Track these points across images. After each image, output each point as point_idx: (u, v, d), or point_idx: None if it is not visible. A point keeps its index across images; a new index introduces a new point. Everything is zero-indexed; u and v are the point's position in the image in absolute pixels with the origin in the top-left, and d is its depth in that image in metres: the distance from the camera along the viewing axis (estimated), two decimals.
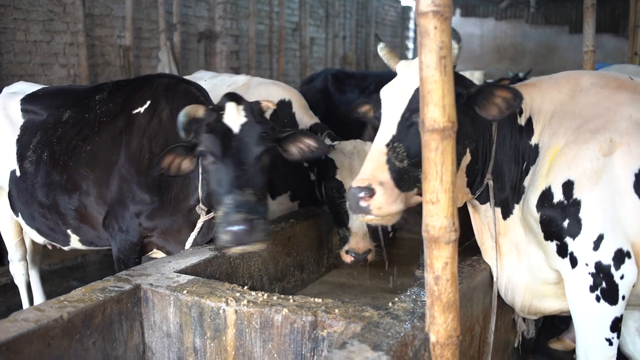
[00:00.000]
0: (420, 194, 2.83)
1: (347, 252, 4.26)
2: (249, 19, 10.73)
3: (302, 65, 12.73)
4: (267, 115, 5.11)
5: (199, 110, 3.42)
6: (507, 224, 3.31)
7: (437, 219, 2.32)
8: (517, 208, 3.26)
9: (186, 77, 5.44)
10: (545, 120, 3.19)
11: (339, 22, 14.02)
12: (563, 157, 3.04)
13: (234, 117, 3.38)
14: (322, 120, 5.27)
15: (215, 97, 4.58)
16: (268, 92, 5.25)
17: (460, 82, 2.95)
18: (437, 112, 2.22)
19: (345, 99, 8.72)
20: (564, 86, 3.23)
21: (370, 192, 2.69)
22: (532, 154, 3.20)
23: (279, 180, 5.10)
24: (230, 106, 3.40)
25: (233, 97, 3.47)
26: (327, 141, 4.70)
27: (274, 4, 11.80)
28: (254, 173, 3.31)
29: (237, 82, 5.59)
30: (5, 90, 4.82)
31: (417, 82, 2.81)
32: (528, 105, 3.23)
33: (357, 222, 4.21)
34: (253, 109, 3.45)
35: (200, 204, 3.76)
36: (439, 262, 2.37)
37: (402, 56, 16.75)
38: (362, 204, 2.70)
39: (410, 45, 17.71)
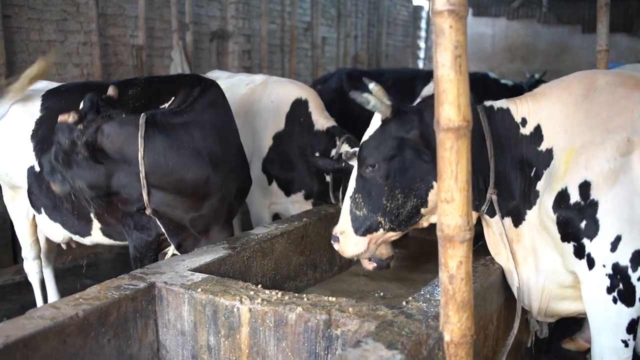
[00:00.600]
0: (389, 231, 3.34)
1: (369, 258, 4.27)
2: (261, 19, 10.74)
3: (314, 65, 12.74)
4: (283, 113, 5.14)
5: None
6: (520, 231, 3.30)
7: (452, 218, 2.32)
8: (530, 213, 3.24)
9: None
10: (558, 123, 3.16)
11: (350, 21, 14.01)
12: (579, 158, 3.02)
13: None
14: (338, 119, 5.29)
15: (234, 95, 4.56)
16: (285, 91, 5.28)
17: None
18: (452, 111, 2.22)
19: None
20: (577, 87, 3.21)
21: (337, 239, 3.44)
22: (543, 159, 3.18)
23: (294, 178, 5.12)
24: None
25: None
26: (346, 147, 4.71)
27: (285, 3, 11.81)
28: None
29: (254, 81, 5.63)
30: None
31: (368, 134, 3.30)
32: (534, 114, 3.22)
33: None
34: None
35: None
36: (454, 261, 2.37)
37: (414, 55, 16.78)
38: (335, 247, 3.48)
39: (422, 44, 17.68)
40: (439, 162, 2.32)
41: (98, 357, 2.88)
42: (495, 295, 3.42)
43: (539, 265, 3.27)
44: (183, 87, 4.02)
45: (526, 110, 3.25)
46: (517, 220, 3.29)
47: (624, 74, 3.28)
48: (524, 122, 3.24)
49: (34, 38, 7.34)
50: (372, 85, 3.36)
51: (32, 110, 4.46)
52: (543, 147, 3.19)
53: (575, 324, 4.71)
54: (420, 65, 17.34)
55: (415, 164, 3.18)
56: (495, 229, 3.38)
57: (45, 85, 4.81)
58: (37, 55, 7.37)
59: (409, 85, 8.69)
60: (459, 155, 2.27)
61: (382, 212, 3.23)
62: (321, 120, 5.05)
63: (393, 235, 3.41)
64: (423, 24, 17.53)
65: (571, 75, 3.36)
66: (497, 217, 3.30)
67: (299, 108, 5.12)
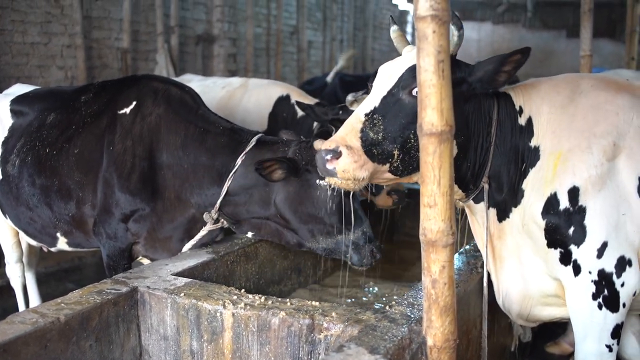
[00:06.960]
0: (391, 171, 2.87)
1: (389, 193, 4.30)
2: (247, 22, 10.73)
3: (300, 69, 12.75)
4: (265, 114, 5.15)
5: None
6: (502, 227, 3.25)
7: (435, 223, 2.33)
8: (515, 211, 3.19)
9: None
10: (545, 122, 3.12)
11: (336, 25, 14.04)
12: (567, 163, 2.99)
13: None
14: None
15: (209, 99, 4.50)
16: (267, 93, 5.28)
17: (459, 67, 2.97)
18: (435, 116, 2.23)
19: None
20: (564, 88, 3.18)
21: (336, 154, 2.74)
22: (532, 156, 3.13)
23: None
24: None
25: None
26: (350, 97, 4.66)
27: (271, 7, 11.81)
28: None
29: (232, 84, 5.59)
30: (4, 93, 4.82)
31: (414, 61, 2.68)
32: (527, 105, 3.16)
33: None
34: None
35: (212, 212, 3.73)
36: (436, 265, 2.38)
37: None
38: (328, 166, 2.76)
39: None
40: (422, 167, 2.32)
41: None
42: (479, 300, 3.42)
43: (521, 269, 3.25)
44: (143, 92, 3.98)
45: (521, 99, 3.17)
46: (502, 216, 3.23)
47: (607, 78, 3.27)
48: (520, 111, 3.16)
49: (17, 40, 7.30)
50: (394, 28, 3.47)
51: (2, 115, 4.44)
52: (533, 143, 3.13)
53: (559, 327, 4.72)
54: None
55: (455, 113, 2.54)
56: (479, 217, 3.33)
57: (18, 89, 4.77)
58: (20, 57, 7.33)
59: None
60: (442, 159, 2.27)
61: (400, 146, 2.83)
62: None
63: (385, 179, 3.02)
64: (409, 29, 17.57)
65: (559, 76, 3.33)
66: (482, 205, 3.21)
67: (281, 104, 5.15)
